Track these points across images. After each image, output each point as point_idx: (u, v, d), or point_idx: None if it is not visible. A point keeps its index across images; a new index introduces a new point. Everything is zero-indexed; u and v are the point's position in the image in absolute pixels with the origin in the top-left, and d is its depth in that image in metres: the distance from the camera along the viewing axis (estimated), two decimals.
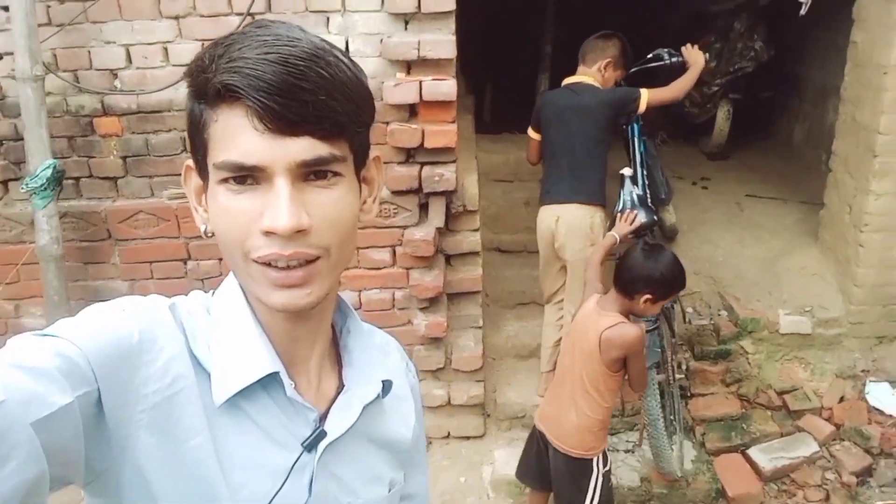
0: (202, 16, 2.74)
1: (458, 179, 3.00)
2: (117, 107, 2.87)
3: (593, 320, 2.31)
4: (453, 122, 2.88)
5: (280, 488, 0.73)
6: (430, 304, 3.04)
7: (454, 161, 2.94)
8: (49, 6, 2.76)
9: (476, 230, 3.12)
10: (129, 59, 2.82)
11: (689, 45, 3.23)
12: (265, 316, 0.76)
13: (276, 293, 0.69)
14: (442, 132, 2.84)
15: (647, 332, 2.71)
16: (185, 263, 3.04)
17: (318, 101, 0.65)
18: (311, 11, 2.79)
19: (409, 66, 2.82)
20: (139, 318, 0.70)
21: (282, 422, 0.75)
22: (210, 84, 0.65)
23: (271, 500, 0.73)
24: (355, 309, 2.86)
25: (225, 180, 0.68)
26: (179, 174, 2.66)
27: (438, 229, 2.97)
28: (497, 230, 4.00)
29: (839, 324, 3.44)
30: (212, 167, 0.69)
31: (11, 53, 2.78)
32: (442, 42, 2.77)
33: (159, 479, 0.68)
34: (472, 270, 3.14)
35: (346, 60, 0.69)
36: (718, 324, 3.53)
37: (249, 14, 2.70)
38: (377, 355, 0.85)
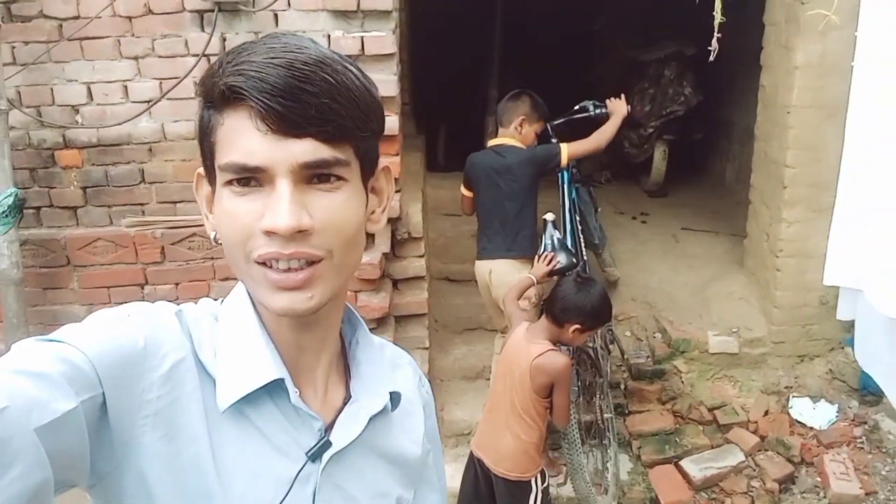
0: (160, 56, 2.95)
1: (403, 208, 3.21)
2: (78, 140, 3.03)
3: (524, 348, 2.41)
4: (397, 154, 3.10)
5: (284, 498, 0.72)
6: (378, 324, 3.20)
7: (398, 191, 3.15)
8: (14, 46, 2.93)
9: (421, 256, 3.32)
10: (90, 95, 3.00)
11: (613, 98, 3.35)
12: (272, 324, 0.76)
13: (277, 296, 0.69)
14: (387, 164, 3.05)
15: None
16: (143, 288, 3.16)
17: (321, 103, 0.66)
18: None
19: None
20: (145, 324, 0.70)
21: (286, 430, 0.75)
22: (217, 87, 0.67)
23: None
24: None
25: (230, 182, 0.69)
26: (138, 204, 2.83)
27: (385, 254, 3.15)
28: (446, 260, 4.20)
29: (763, 343, 3.68)
30: (217, 170, 0.70)
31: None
32: (385, 81, 3.01)
33: (160, 484, 0.68)
34: (418, 294, 3.32)
35: (354, 70, 0.70)
36: (653, 345, 3.75)
37: (205, 55, 2.91)
38: (386, 368, 0.85)
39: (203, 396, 0.71)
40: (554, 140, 3.31)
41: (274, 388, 0.73)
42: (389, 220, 3.14)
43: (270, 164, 0.66)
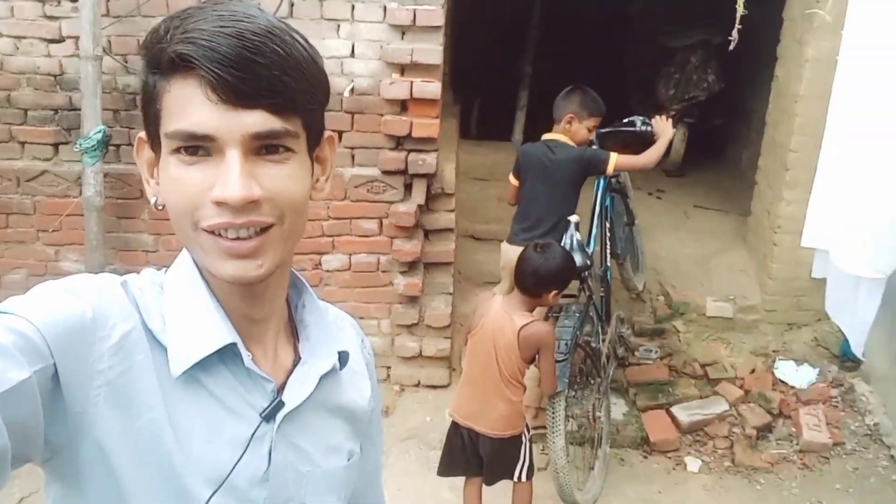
0: None
1: (439, 166, 3.60)
2: None
3: (508, 320, 2.56)
4: (437, 117, 3.48)
5: (240, 458, 0.75)
6: (409, 268, 3.61)
7: (436, 150, 3.53)
8: (109, 0, 3.34)
9: (451, 211, 3.71)
10: None
11: (660, 117, 3.42)
12: (220, 290, 0.77)
13: (226, 263, 0.70)
14: (427, 125, 3.44)
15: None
16: None
17: (272, 75, 0.66)
18: (325, 19, 3.40)
19: (402, 69, 3.42)
20: (91, 295, 0.70)
21: (240, 393, 0.76)
22: (165, 54, 0.67)
23: (231, 469, 0.74)
24: (345, 271, 3.42)
25: (177, 150, 0.69)
26: None
27: (419, 206, 3.55)
28: (472, 220, 4.59)
29: (756, 310, 4.04)
30: (164, 137, 0.70)
31: (74, 37, 3.37)
32: (431, 50, 3.38)
33: (118, 454, 0.69)
34: (446, 244, 3.72)
35: (301, 41, 0.71)
36: (655, 306, 4.12)
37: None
38: (333, 329, 0.87)
39: (155, 364, 0.72)
40: (595, 146, 3.35)
41: (226, 353, 0.75)
42: (426, 176, 3.53)
43: (220, 134, 0.67)
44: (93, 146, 3.26)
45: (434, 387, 3.77)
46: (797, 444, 3.46)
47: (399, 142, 3.49)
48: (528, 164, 3.26)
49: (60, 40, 3.44)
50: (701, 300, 4.08)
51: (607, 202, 3.57)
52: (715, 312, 4.03)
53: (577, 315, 3.02)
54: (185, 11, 0.69)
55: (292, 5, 3.34)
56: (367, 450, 0.96)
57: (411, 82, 3.39)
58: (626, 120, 3.57)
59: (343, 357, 0.85)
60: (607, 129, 3.48)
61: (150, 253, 3.65)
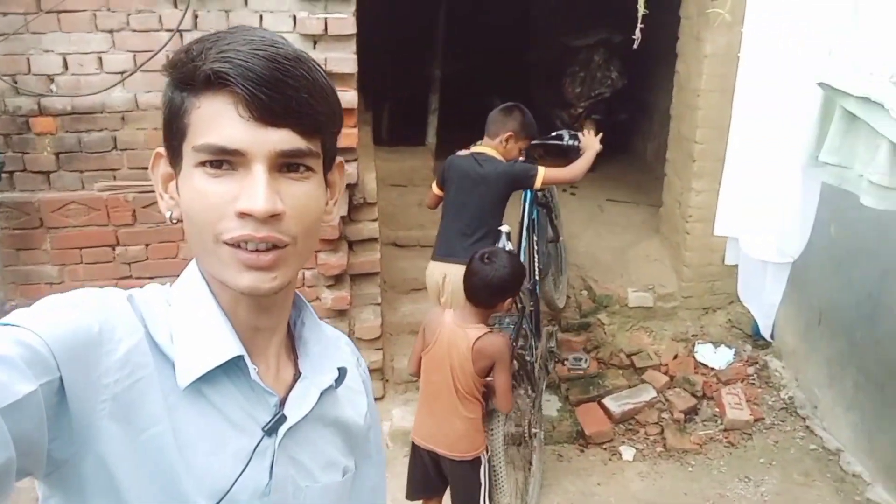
0: (134, 30, 3.17)
1: (359, 175, 3.54)
2: (53, 108, 3.23)
3: (461, 335, 2.48)
4: (355, 126, 3.43)
5: (243, 471, 0.75)
6: (336, 281, 3.54)
7: (356, 160, 3.48)
8: None
9: (374, 220, 3.66)
10: (65, 65, 3.19)
11: (587, 131, 3.45)
12: (228, 305, 0.78)
13: (243, 275, 0.72)
14: (345, 135, 3.37)
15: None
16: (114, 249, 3.39)
17: (300, 97, 0.70)
18: None
19: None
20: (97, 309, 0.71)
21: (243, 407, 0.77)
22: (199, 71, 0.70)
23: (234, 482, 0.75)
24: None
25: (202, 163, 0.71)
26: (110, 169, 3.11)
27: (342, 217, 3.48)
28: (393, 227, 4.55)
29: (674, 298, 4.21)
30: (190, 150, 0.72)
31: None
32: (345, 59, 3.32)
33: (122, 468, 0.70)
34: (371, 255, 3.67)
35: (321, 70, 0.75)
36: (580, 301, 4.22)
37: (178, 31, 3.15)
38: (331, 346, 0.90)
39: (160, 378, 0.73)
40: (521, 159, 3.29)
41: (230, 367, 0.76)
42: (347, 186, 3.47)
43: (249, 149, 0.70)
44: None
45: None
46: (722, 424, 3.62)
47: None
48: (455, 176, 3.17)
49: None
50: (622, 292, 4.21)
51: (534, 215, 3.55)
52: (636, 303, 4.17)
53: (512, 327, 2.95)
54: (215, 35, 0.72)
55: (196, 17, 3.20)
56: (366, 468, 0.98)
57: None
58: (553, 133, 3.56)
59: (342, 373, 0.87)
60: (535, 142, 3.43)
61: (55, 285, 3.40)
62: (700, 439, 3.55)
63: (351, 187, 3.50)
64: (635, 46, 3.61)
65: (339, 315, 3.59)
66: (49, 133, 3.27)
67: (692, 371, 3.89)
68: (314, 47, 3.31)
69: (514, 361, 2.85)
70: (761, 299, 2.49)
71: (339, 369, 0.86)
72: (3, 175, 3.20)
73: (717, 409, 3.71)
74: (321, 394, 0.84)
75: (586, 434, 3.56)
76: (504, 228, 3.09)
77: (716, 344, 4.06)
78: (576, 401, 3.77)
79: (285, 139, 0.71)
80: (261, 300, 0.77)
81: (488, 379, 2.54)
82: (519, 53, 6.64)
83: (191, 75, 0.71)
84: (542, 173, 3.11)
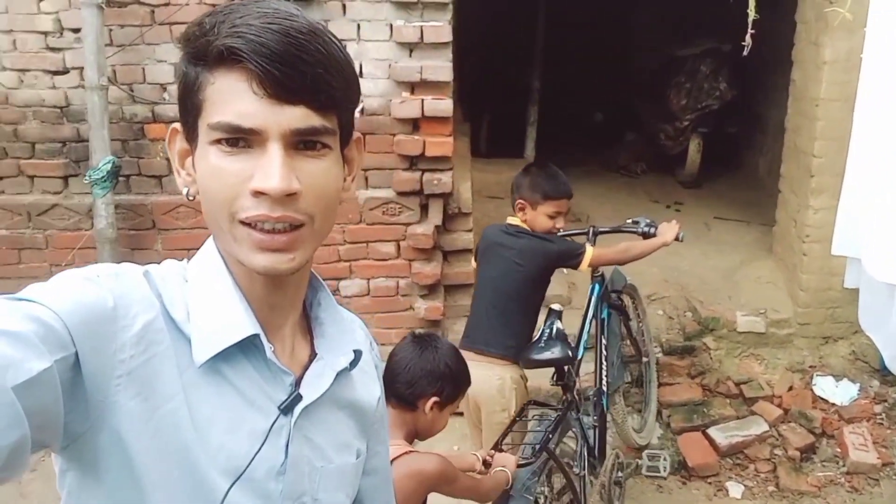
0: None
1: (454, 185, 3.49)
2: (165, 115, 3.36)
3: None
4: (450, 135, 3.38)
5: (259, 449, 0.75)
6: (430, 291, 3.49)
7: (450, 169, 3.43)
8: (111, 29, 3.27)
9: (469, 231, 3.60)
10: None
11: (669, 223, 2.93)
12: (245, 282, 0.77)
13: (259, 255, 0.71)
14: (440, 143, 3.34)
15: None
16: None
17: (315, 73, 0.68)
18: None
19: (412, 87, 3.33)
20: (113, 284, 0.70)
21: (259, 385, 0.77)
22: (212, 46, 0.68)
23: (251, 461, 0.75)
24: (364, 296, 3.29)
25: (217, 141, 0.70)
26: None
27: (437, 227, 3.44)
28: None
29: (789, 324, 3.88)
30: (205, 128, 0.71)
31: (78, 68, 3.30)
32: (440, 67, 3.29)
33: (137, 443, 0.69)
34: (466, 265, 3.59)
35: (339, 43, 0.73)
36: (683, 323, 3.97)
37: None
38: (348, 328, 0.89)
39: (176, 354, 0.72)
40: (589, 244, 2.80)
41: (247, 345, 0.75)
42: (442, 196, 3.42)
43: (263, 127, 0.68)
44: (102, 177, 3.17)
45: (460, 413, 3.61)
46: (844, 466, 3.29)
47: (413, 162, 3.38)
48: (485, 247, 2.70)
49: (65, 72, 3.37)
50: (730, 315, 3.93)
51: (603, 314, 3.00)
52: (746, 327, 3.88)
53: (552, 419, 2.50)
54: (228, 7, 0.70)
55: None
56: (379, 450, 0.98)
57: (422, 100, 3.30)
58: (629, 220, 3.02)
59: (357, 355, 0.86)
60: (607, 229, 3.00)
61: None
62: (818, 481, 3.23)
63: (446, 197, 3.45)
64: (745, 53, 3.40)
65: (432, 325, 3.53)
66: (162, 139, 3.41)
67: (810, 406, 3.56)
68: (410, 55, 3.30)
69: (550, 461, 2.40)
70: (887, 328, 2.22)
71: (354, 351, 0.85)
72: (120, 178, 3.36)
73: (839, 450, 3.37)
74: (337, 375, 0.83)
75: (689, 465, 3.32)
76: (556, 307, 2.63)
77: (837, 377, 3.71)
78: (678, 429, 3.53)
79: (300, 116, 0.69)
80: (277, 278, 0.76)
81: None
82: (621, 64, 6.44)
83: (204, 50, 0.69)
84: (590, 254, 2.66)
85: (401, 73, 3.27)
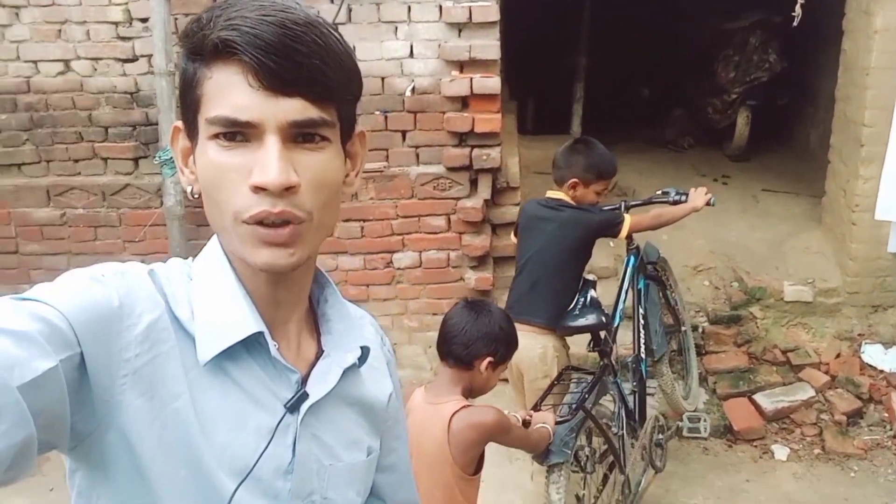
0: None
1: (503, 160, 3.61)
2: None
3: (432, 413, 1.84)
4: (498, 111, 3.50)
5: (266, 448, 0.75)
6: (479, 262, 3.63)
7: (499, 144, 3.55)
8: (177, 18, 3.47)
9: (517, 204, 3.70)
10: None
11: (697, 189, 2.96)
12: (248, 280, 0.77)
13: (261, 251, 0.71)
14: (489, 120, 3.46)
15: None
16: None
17: (312, 64, 0.68)
18: (382, 22, 3.45)
19: (461, 66, 3.45)
20: (118, 283, 0.70)
21: (264, 383, 0.77)
22: (208, 40, 0.68)
23: (257, 459, 0.74)
24: (416, 268, 3.47)
25: (216, 136, 0.69)
26: None
27: (486, 201, 3.56)
28: None
29: (837, 293, 3.90)
30: (203, 123, 0.70)
31: (147, 55, 3.52)
32: (488, 46, 3.40)
33: (143, 442, 0.69)
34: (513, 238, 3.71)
35: (338, 35, 0.72)
36: (730, 293, 4.02)
37: (334, 25, 3.36)
38: (355, 324, 0.88)
39: (181, 353, 0.72)
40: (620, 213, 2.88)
41: (251, 343, 0.75)
42: (490, 171, 3.54)
43: (260, 120, 0.68)
44: (170, 158, 3.39)
45: (505, 380, 3.75)
46: (891, 430, 3.32)
47: (462, 138, 3.51)
48: (526, 221, 2.82)
49: (134, 59, 3.59)
50: (777, 285, 3.96)
51: (640, 285, 3.08)
52: (793, 297, 3.91)
53: (589, 382, 2.63)
54: (226, 1, 0.70)
55: (350, 10, 3.41)
56: (396, 447, 0.97)
57: (471, 78, 3.42)
58: (659, 191, 3.09)
59: (365, 352, 0.85)
60: (638, 203, 3.08)
61: None
62: (865, 444, 3.28)
63: (494, 171, 3.57)
64: (795, 24, 3.41)
65: (481, 295, 3.66)
66: None
67: (857, 372, 3.59)
68: (459, 35, 3.42)
69: (588, 420, 2.54)
70: None
71: (361, 348, 0.84)
72: None
73: (887, 415, 3.41)
74: (345, 372, 0.82)
75: (735, 429, 3.41)
76: (591, 277, 2.77)
77: (886, 345, 3.72)
78: (724, 395, 3.61)
79: (297, 108, 0.68)
80: (281, 275, 0.76)
81: (475, 478, 1.89)
82: (667, 39, 6.41)
83: (200, 45, 0.69)
84: (629, 222, 2.74)
85: (450, 53, 3.39)
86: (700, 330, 3.89)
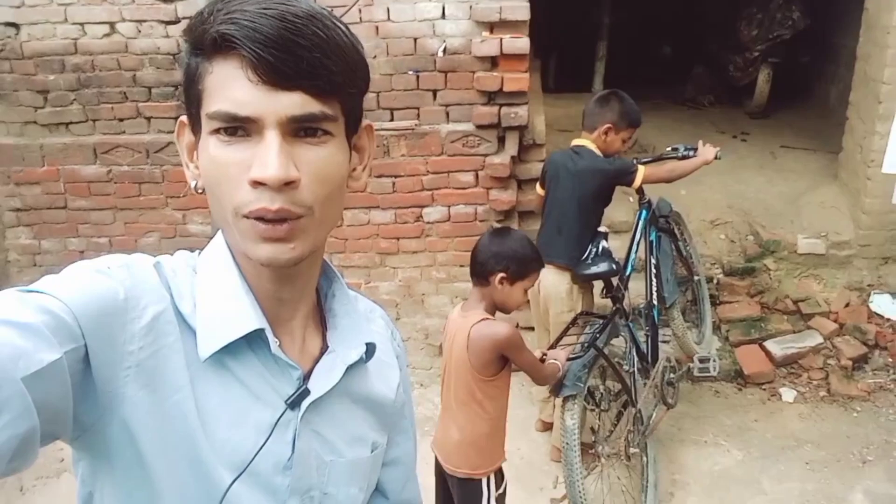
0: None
1: (530, 118, 3.76)
2: None
3: (461, 324, 2.14)
4: (526, 71, 3.64)
5: (264, 443, 0.75)
6: (505, 216, 3.82)
7: (526, 103, 3.70)
8: None
9: (542, 160, 3.86)
10: None
11: (705, 144, 3.14)
12: (252, 275, 0.77)
13: (261, 246, 0.70)
14: (517, 79, 3.61)
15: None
16: None
17: (312, 57, 0.66)
18: None
19: (492, 27, 3.58)
20: (124, 276, 0.70)
21: (266, 379, 0.77)
22: (207, 34, 0.67)
23: (255, 454, 0.75)
24: (445, 222, 3.68)
25: (216, 131, 0.69)
26: None
27: (513, 157, 3.74)
28: None
29: (850, 246, 4.06)
30: (204, 118, 0.70)
31: (189, 17, 3.68)
32: (518, 7, 3.53)
33: (145, 434, 0.70)
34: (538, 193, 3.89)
35: (342, 27, 0.71)
36: (745, 246, 4.19)
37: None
38: (361, 320, 0.87)
39: (184, 347, 0.73)
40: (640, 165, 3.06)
41: (254, 338, 0.75)
42: (518, 128, 3.71)
43: (260, 114, 0.67)
44: None
45: (531, 328, 3.98)
46: (894, 374, 3.52)
47: (491, 97, 3.67)
48: (552, 171, 3.05)
49: (176, 21, 3.76)
50: (792, 238, 4.13)
51: (652, 237, 3.25)
52: (806, 249, 4.08)
53: (600, 323, 2.85)
54: None
55: None
56: (401, 442, 0.97)
57: (500, 39, 3.55)
58: (669, 148, 3.28)
59: (370, 348, 0.85)
60: (649, 160, 3.23)
61: None
62: (868, 387, 3.49)
63: (521, 129, 3.73)
64: None
65: None
66: None
67: (865, 320, 3.77)
68: None
69: (604, 361, 2.76)
70: None
71: (367, 344, 0.84)
72: None
73: (890, 359, 3.60)
74: (350, 368, 0.82)
75: (745, 374, 3.62)
76: (603, 229, 2.98)
77: (894, 295, 3.89)
78: (736, 342, 3.82)
79: (298, 102, 0.67)
80: (283, 270, 0.75)
81: (493, 380, 2.14)
82: None
83: (201, 39, 0.68)
84: (643, 172, 2.96)
85: (481, 14, 3.53)
86: (715, 281, 4.08)
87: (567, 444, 2.59)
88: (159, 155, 3.96)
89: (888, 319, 3.78)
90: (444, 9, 3.57)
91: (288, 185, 0.68)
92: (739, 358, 3.70)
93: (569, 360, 2.56)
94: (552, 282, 2.94)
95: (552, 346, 2.70)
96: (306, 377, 0.80)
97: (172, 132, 3.54)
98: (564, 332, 2.79)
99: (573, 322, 2.84)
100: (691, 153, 3.15)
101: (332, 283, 0.87)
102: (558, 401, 2.75)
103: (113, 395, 0.68)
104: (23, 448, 0.58)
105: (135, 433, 0.70)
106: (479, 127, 3.69)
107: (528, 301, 2.43)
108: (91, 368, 0.66)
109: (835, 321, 3.82)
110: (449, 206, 3.84)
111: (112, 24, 3.81)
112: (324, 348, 0.84)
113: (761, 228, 4.23)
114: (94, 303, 0.66)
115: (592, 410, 2.84)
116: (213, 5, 0.68)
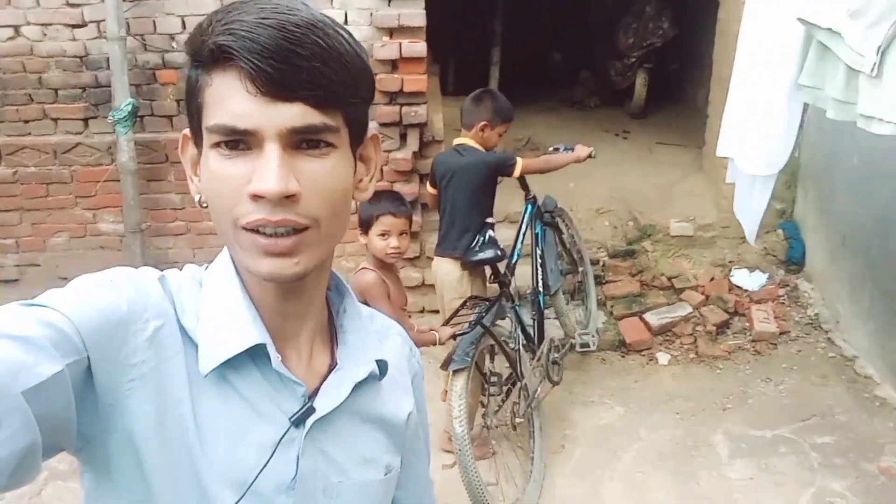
0: None
1: (429, 116, 4.08)
2: (174, 62, 3.88)
3: None
4: (424, 73, 3.96)
5: (266, 463, 0.73)
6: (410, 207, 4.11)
7: (425, 103, 4.02)
8: None
9: None
10: (184, 26, 3.83)
11: (582, 145, 3.51)
12: (255, 290, 0.76)
13: (263, 261, 0.69)
14: (416, 80, 3.92)
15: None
16: None
17: (312, 67, 0.65)
18: None
19: (391, 32, 3.89)
20: (127, 289, 0.70)
21: (269, 396, 0.75)
22: (205, 46, 0.66)
23: (258, 473, 0.73)
24: (353, 213, 3.92)
25: (217, 144, 0.67)
26: None
27: (414, 153, 4.04)
28: None
29: (713, 228, 4.61)
30: (205, 131, 0.68)
31: (96, 21, 3.79)
32: (415, 14, 3.85)
33: (147, 447, 0.69)
34: None
35: (345, 35, 0.69)
36: (626, 231, 4.67)
37: None
38: (372, 337, 0.85)
39: (186, 361, 0.72)
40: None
41: (257, 354, 0.74)
42: (418, 126, 4.02)
43: (259, 127, 0.65)
44: (124, 117, 3.71)
45: (435, 311, 4.29)
46: (750, 336, 4.05)
47: (392, 97, 3.96)
48: (441, 172, 3.28)
49: (83, 25, 3.86)
50: (665, 223, 4.64)
51: (537, 230, 3.59)
52: (678, 232, 4.60)
53: (487, 304, 3.08)
54: (230, 5, 0.68)
55: None
56: (413, 462, 0.95)
57: (400, 44, 3.86)
58: (551, 148, 3.68)
59: (382, 366, 0.83)
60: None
61: (178, 210, 4.12)
62: (729, 348, 4.00)
63: (421, 126, 4.04)
64: None
65: (411, 237, 4.17)
66: (172, 83, 3.94)
67: (726, 291, 4.31)
68: (389, 4, 3.85)
69: (491, 339, 3.03)
70: (750, 210, 2.93)
71: (377, 362, 0.82)
72: (136, 119, 3.89)
73: (748, 324, 4.14)
74: (359, 386, 0.80)
75: (627, 343, 4.06)
76: (489, 220, 3.23)
77: (751, 269, 4.45)
78: (619, 315, 4.26)
79: (298, 114, 0.66)
80: (287, 285, 0.74)
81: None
82: (577, 8, 7.00)
83: (199, 50, 0.67)
84: (521, 163, 3.24)
85: (381, 20, 3.82)
86: (601, 263, 4.53)
87: (456, 413, 2.78)
88: (68, 155, 4.03)
89: (746, 290, 4.33)
90: (346, 15, 3.85)
91: (288, 198, 0.66)
92: (622, 329, 4.15)
93: (456, 335, 2.82)
94: (446, 270, 3.24)
95: (445, 325, 2.98)
96: (313, 394, 0.78)
97: (80, 133, 3.66)
98: (455, 314, 3.06)
99: (463, 304, 3.11)
100: (570, 150, 3.53)
101: (344, 299, 0.86)
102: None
103: (114, 408, 0.68)
104: (24, 462, 0.58)
105: (136, 446, 0.69)
106: (383, 125, 3.97)
107: (397, 253, 2.69)
108: (94, 380, 0.66)
109: (702, 293, 4.33)
110: (356, 200, 4.08)
111: (17, 28, 3.85)
112: (332, 365, 0.82)
113: (640, 215, 4.73)
114: (96, 315, 0.66)
115: (484, 394, 3.11)
116: (213, 16, 0.68)
